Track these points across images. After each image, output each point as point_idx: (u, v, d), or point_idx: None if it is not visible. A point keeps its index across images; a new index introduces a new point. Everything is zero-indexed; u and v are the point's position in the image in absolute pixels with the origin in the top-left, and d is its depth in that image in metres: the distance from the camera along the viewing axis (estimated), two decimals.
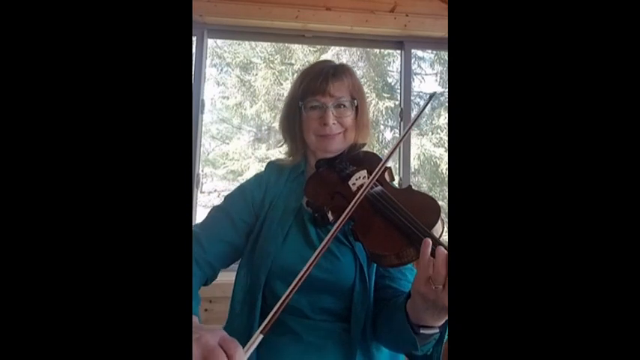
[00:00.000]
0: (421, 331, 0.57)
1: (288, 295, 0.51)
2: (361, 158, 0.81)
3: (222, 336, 0.46)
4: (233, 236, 0.77)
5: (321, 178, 0.78)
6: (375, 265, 0.72)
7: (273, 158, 0.92)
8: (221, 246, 0.76)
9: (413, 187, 0.73)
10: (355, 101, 0.78)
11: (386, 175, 0.75)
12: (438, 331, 0.57)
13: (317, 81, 0.76)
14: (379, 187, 0.69)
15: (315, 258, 0.54)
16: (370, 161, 0.79)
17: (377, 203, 0.65)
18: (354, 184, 0.73)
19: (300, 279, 0.52)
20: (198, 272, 0.72)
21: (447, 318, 0.56)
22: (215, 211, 0.81)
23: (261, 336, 0.47)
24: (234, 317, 0.76)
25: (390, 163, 0.86)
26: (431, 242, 0.52)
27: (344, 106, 0.77)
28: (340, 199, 0.70)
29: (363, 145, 0.85)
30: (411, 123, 0.78)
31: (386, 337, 0.68)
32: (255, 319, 0.71)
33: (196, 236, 0.75)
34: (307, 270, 0.53)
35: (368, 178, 0.72)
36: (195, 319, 0.63)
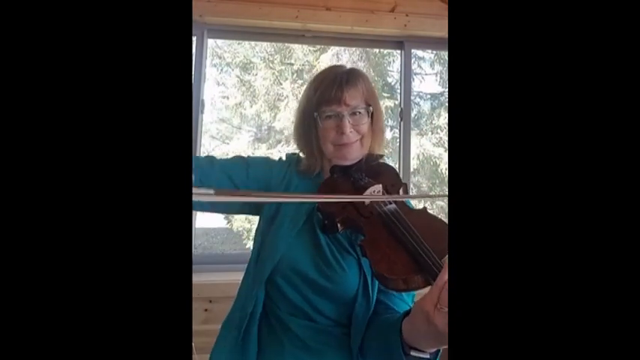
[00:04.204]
0: (412, 353, 0.55)
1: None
2: (378, 171, 0.80)
3: None
4: (242, 181, 0.79)
5: (335, 186, 0.77)
6: None
7: (273, 158, 0.93)
8: (227, 181, 0.78)
9: (427, 210, 0.71)
10: (370, 108, 0.78)
11: (400, 191, 0.74)
12: (428, 356, 0.55)
13: (331, 90, 0.75)
14: (393, 206, 0.68)
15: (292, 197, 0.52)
16: (387, 176, 0.78)
17: (389, 222, 0.64)
18: None
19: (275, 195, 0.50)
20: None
21: (440, 347, 0.53)
22: (237, 156, 0.84)
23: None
24: (237, 308, 0.77)
25: (392, 164, 0.86)
26: None
27: (359, 113, 0.76)
28: (351, 210, 0.69)
29: (381, 156, 0.84)
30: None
31: (372, 352, 0.67)
32: (256, 313, 0.72)
33: (212, 161, 0.78)
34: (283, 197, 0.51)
35: (383, 193, 0.71)
36: None
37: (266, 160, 0.85)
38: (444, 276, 0.49)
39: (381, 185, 0.73)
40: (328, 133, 0.77)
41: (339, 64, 0.91)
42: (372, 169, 0.79)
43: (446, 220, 0.63)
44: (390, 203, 0.68)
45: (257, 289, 0.73)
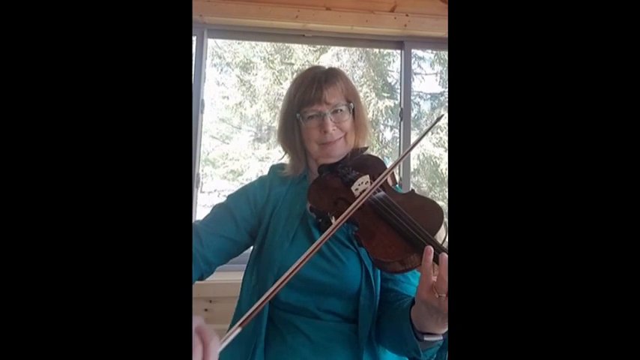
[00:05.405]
0: (425, 338, 0.56)
1: (272, 292, 0.50)
2: (364, 163, 0.81)
3: (199, 324, 0.44)
4: (234, 232, 0.78)
5: (324, 184, 0.78)
6: None
7: (273, 158, 0.92)
8: (221, 241, 0.77)
9: (415, 191, 0.72)
10: (351, 104, 0.79)
11: (389, 179, 0.75)
12: (441, 338, 0.57)
13: (311, 90, 0.76)
14: (382, 193, 0.69)
15: (308, 256, 0.53)
16: (373, 166, 0.79)
17: (380, 209, 0.65)
18: (357, 189, 0.72)
19: (289, 275, 0.51)
20: (194, 266, 0.73)
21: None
22: (217, 207, 0.82)
23: (240, 329, 0.46)
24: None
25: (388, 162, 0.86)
26: (433, 250, 0.52)
27: (341, 110, 0.77)
28: (343, 205, 0.70)
29: (365, 148, 0.85)
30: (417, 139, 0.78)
31: (389, 341, 0.68)
32: (262, 325, 0.71)
33: (196, 230, 0.76)
34: (298, 266, 0.52)
35: (371, 183, 0.72)
36: None
37: (245, 193, 0.83)
38: (427, 262, 0.51)
39: (368, 176, 0.74)
40: (311, 132, 0.77)
41: (318, 65, 0.91)
42: (358, 162, 0.81)
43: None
44: (379, 191, 0.69)
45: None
